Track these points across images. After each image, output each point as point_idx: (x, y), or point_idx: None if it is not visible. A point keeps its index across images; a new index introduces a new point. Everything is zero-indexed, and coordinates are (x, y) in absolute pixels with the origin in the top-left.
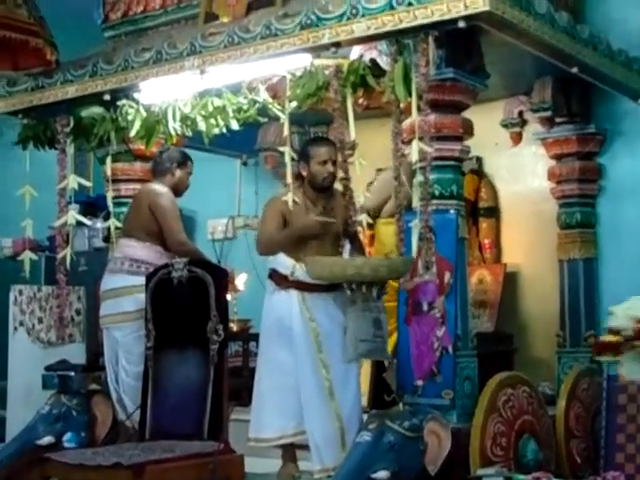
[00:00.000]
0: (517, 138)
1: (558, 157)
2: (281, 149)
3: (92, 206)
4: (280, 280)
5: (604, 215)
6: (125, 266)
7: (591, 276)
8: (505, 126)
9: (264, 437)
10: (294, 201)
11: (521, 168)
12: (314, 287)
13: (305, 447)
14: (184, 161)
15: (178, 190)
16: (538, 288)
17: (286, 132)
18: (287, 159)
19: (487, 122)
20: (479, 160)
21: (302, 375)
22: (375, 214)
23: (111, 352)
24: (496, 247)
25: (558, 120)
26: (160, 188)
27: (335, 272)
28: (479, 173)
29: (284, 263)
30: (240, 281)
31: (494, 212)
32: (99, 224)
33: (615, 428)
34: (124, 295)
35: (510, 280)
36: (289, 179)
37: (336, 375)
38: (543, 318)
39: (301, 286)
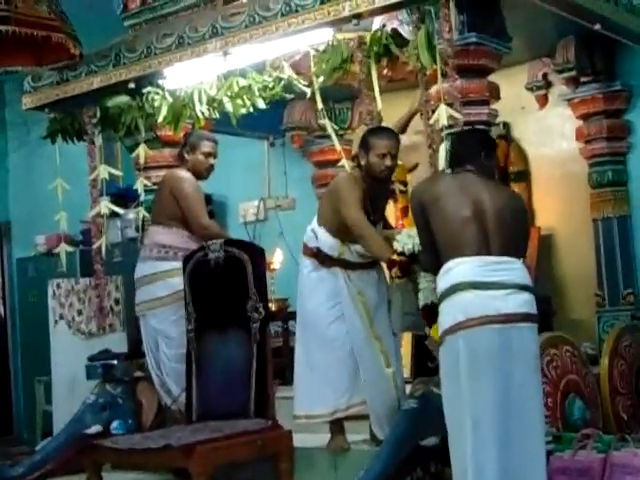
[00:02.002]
0: (543, 100)
1: (585, 117)
2: (321, 122)
3: (123, 197)
4: (324, 259)
5: (635, 172)
6: (154, 253)
7: (626, 233)
8: (530, 89)
9: (317, 413)
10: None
11: (549, 130)
12: (357, 265)
13: (352, 418)
14: (195, 144)
15: (197, 173)
16: (573, 249)
17: (320, 105)
18: (330, 131)
19: (512, 87)
20: (506, 125)
21: (358, 348)
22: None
23: (149, 338)
24: (529, 211)
25: (583, 80)
26: (181, 173)
27: None
28: (507, 138)
29: (332, 245)
30: (277, 258)
31: (525, 176)
32: (131, 214)
33: None
34: (155, 281)
35: (545, 243)
36: (337, 147)
37: (388, 346)
38: (580, 279)
39: (345, 264)
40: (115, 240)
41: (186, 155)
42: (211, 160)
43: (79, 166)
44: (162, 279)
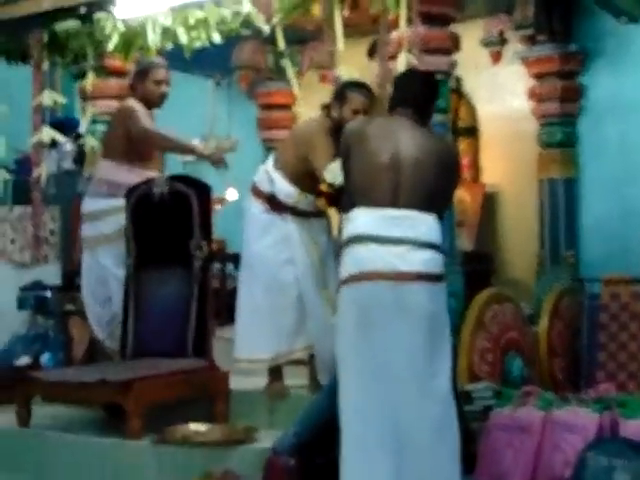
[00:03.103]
0: (497, 57)
1: (539, 76)
2: (281, 63)
3: (61, 127)
4: (277, 205)
5: (584, 134)
6: (104, 189)
7: (571, 195)
8: (485, 45)
9: (259, 357)
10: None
11: (501, 88)
12: (310, 213)
13: (291, 363)
14: (146, 71)
15: (149, 102)
16: (517, 208)
17: (281, 46)
18: (290, 73)
19: (466, 41)
20: (458, 80)
21: (307, 294)
22: None
23: (95, 273)
24: (475, 167)
25: (539, 39)
26: (131, 104)
27: None
28: (458, 93)
29: (289, 192)
30: (230, 196)
31: (473, 132)
32: (68, 146)
33: (596, 346)
34: (104, 217)
35: (489, 200)
36: (296, 90)
37: (334, 296)
38: (523, 238)
39: (297, 212)
40: (51, 171)
41: (137, 84)
42: (163, 87)
43: (16, 92)
44: (111, 215)
